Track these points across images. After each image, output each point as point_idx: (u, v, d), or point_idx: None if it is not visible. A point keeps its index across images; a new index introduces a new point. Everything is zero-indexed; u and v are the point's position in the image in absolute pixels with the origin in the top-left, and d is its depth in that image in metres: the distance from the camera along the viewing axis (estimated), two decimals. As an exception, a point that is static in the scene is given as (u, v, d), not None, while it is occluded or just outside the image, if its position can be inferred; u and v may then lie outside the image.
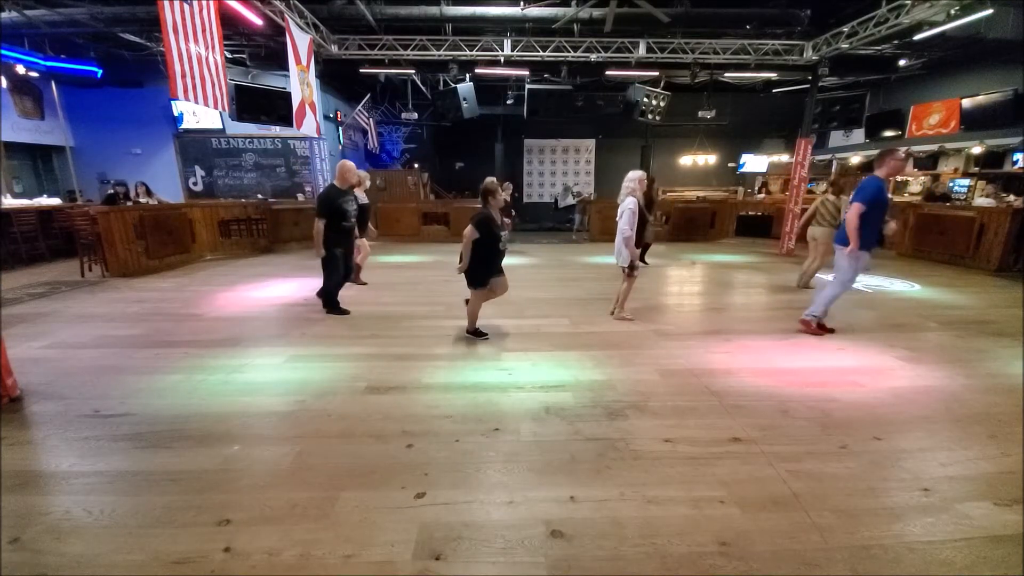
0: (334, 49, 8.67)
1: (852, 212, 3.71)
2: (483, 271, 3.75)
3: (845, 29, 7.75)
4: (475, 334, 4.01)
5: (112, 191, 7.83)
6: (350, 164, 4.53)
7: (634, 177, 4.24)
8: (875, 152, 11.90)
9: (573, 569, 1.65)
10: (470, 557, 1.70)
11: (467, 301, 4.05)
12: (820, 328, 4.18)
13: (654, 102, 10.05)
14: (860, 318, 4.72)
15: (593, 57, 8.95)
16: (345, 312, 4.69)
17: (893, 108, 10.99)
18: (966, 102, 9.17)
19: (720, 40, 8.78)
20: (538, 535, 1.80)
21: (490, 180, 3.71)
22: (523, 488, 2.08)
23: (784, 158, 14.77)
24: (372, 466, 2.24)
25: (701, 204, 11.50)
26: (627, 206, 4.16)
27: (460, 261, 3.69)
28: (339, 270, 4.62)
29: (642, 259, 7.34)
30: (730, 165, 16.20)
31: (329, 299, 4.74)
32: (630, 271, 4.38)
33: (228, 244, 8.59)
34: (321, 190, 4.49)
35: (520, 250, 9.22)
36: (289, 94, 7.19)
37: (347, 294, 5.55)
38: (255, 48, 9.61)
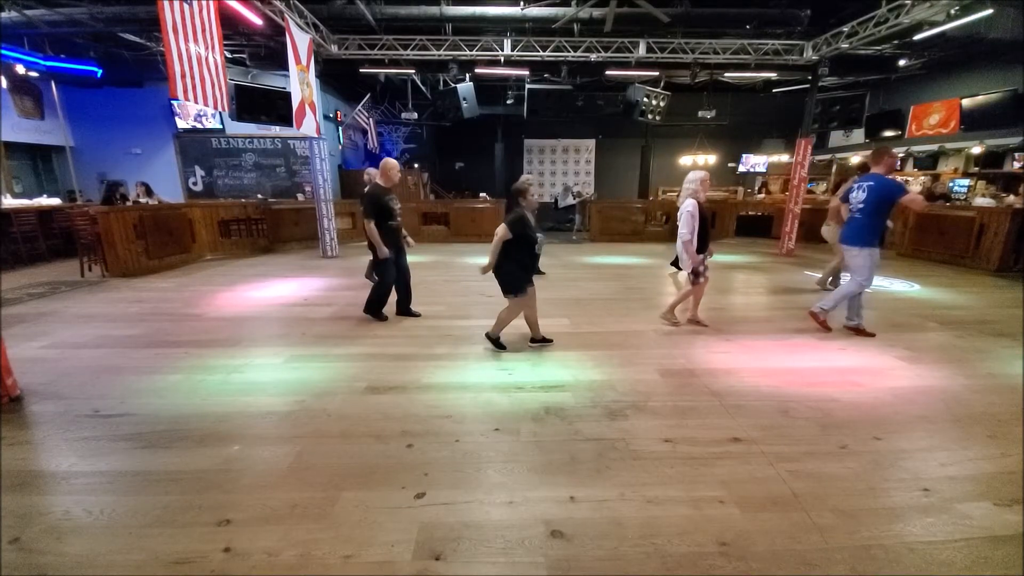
0: (334, 49, 8.67)
1: (922, 203, 3.91)
2: (522, 277, 3.54)
3: (845, 29, 7.74)
4: (496, 342, 3.74)
5: (109, 192, 7.82)
6: (394, 162, 4.34)
7: (695, 179, 3.96)
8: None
9: (573, 569, 1.65)
10: (470, 557, 1.70)
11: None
12: (826, 325, 4.21)
13: (654, 102, 10.04)
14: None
15: (593, 57, 8.95)
16: (384, 318, 4.54)
17: (893, 108, 10.98)
18: (966, 102, 9.17)
19: (720, 40, 8.78)
20: (538, 535, 1.80)
21: (522, 180, 3.56)
22: (523, 488, 2.07)
23: (784, 158, 14.77)
24: (372, 466, 2.24)
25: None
26: (685, 208, 3.93)
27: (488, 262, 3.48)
28: (392, 272, 4.46)
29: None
30: (730, 165, 16.20)
31: (377, 303, 4.53)
32: (695, 278, 4.14)
33: (228, 244, 8.59)
34: (367, 189, 4.35)
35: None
36: (289, 94, 7.19)
37: (347, 294, 5.56)
38: (255, 48, 9.61)
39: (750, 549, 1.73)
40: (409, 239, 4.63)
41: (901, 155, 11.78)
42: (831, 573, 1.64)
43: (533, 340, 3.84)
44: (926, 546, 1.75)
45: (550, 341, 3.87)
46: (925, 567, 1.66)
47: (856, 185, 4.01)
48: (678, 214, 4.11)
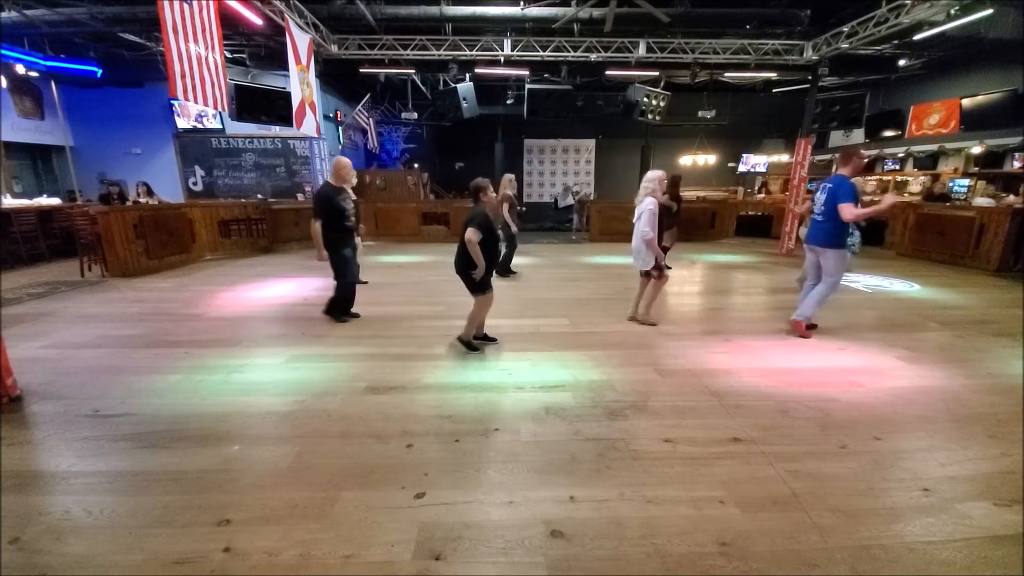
0: (334, 49, 8.67)
1: (851, 212, 3.67)
2: (485, 275, 3.53)
3: (845, 29, 7.75)
4: (468, 345, 3.74)
5: (106, 191, 7.81)
6: (346, 161, 4.28)
7: (653, 177, 4.11)
8: (873, 152, 12.00)
9: (573, 569, 1.65)
10: (470, 557, 1.70)
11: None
12: (810, 328, 4.20)
13: (654, 102, 10.04)
14: (860, 318, 4.73)
15: (593, 57, 8.95)
16: (356, 315, 4.58)
17: (893, 108, 10.99)
18: (966, 102, 9.17)
19: (720, 40, 8.78)
20: (538, 535, 1.80)
21: (480, 178, 3.60)
22: (523, 488, 2.08)
23: (784, 158, 14.77)
24: (372, 466, 2.24)
25: (701, 204, 11.49)
26: (646, 207, 4.01)
27: (476, 267, 3.46)
28: (352, 270, 4.43)
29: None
30: (730, 165, 16.20)
31: (344, 304, 4.50)
32: (659, 273, 4.21)
33: (228, 244, 8.58)
34: (318, 188, 4.31)
35: (520, 250, 9.21)
36: (289, 94, 7.19)
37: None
38: (255, 48, 9.61)
39: (750, 549, 1.73)
40: (359, 236, 4.53)
41: (901, 155, 11.77)
42: (831, 573, 1.64)
43: (476, 336, 3.85)
44: (926, 546, 1.75)
45: (477, 349, 3.78)
46: (925, 567, 1.66)
47: (822, 186, 3.97)
48: (636, 213, 4.17)
